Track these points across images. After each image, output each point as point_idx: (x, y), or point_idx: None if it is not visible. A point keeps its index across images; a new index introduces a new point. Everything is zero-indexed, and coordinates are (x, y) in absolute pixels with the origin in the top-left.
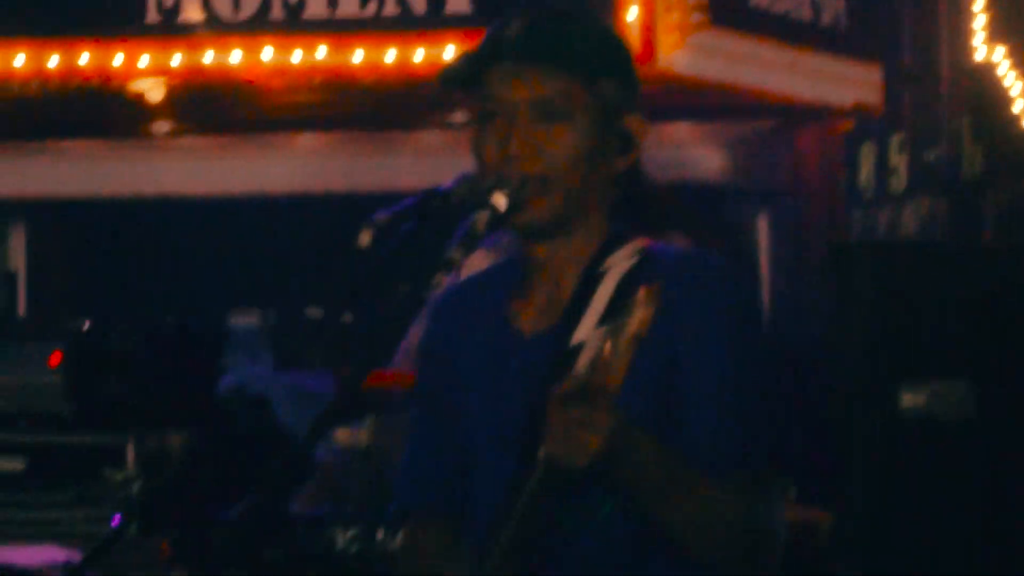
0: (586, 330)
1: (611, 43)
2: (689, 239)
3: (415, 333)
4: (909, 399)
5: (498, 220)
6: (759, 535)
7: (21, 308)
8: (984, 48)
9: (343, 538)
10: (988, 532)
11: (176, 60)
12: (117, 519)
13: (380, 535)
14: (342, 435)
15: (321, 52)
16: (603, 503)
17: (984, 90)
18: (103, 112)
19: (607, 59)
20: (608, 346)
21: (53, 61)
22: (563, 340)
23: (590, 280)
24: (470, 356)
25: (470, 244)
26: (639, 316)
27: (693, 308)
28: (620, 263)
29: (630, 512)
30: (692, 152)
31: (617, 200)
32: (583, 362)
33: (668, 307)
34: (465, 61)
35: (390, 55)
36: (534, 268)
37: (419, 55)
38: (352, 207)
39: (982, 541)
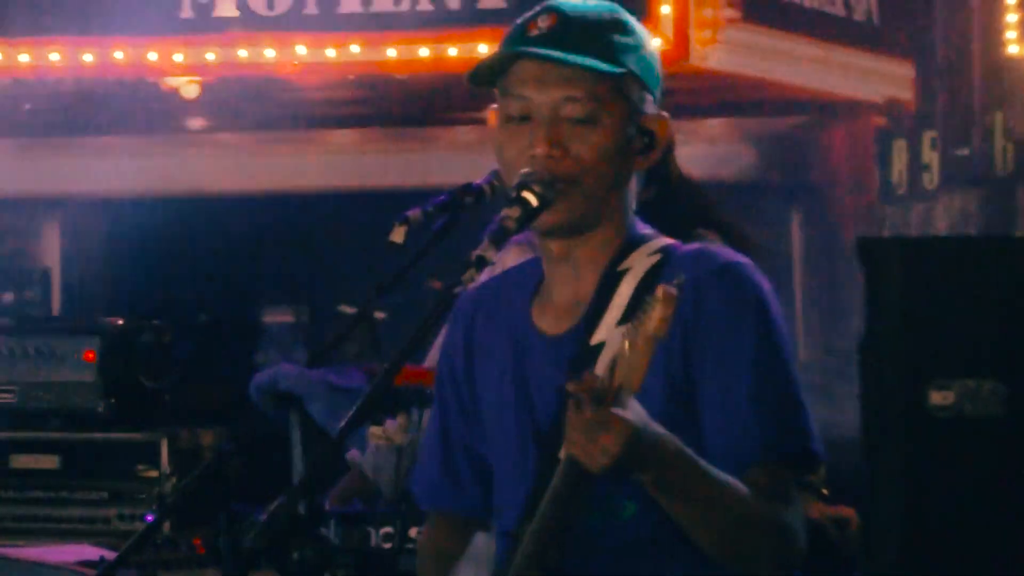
0: (606, 330)
1: (638, 41)
2: (718, 236)
3: (447, 329)
4: (938, 397)
5: (529, 217)
6: (783, 535)
7: (55, 305)
8: (1016, 45)
9: (376, 536)
10: (1019, 531)
11: (210, 56)
12: (150, 517)
13: (414, 533)
14: (375, 432)
15: (355, 48)
16: (627, 504)
17: (1016, 85)
18: (137, 109)
19: (634, 58)
20: (626, 346)
21: (88, 57)
22: (583, 340)
23: (610, 280)
24: (492, 354)
25: (500, 240)
26: (657, 315)
27: (711, 305)
28: (640, 262)
29: (654, 513)
30: (724, 148)
31: (647, 198)
32: (603, 363)
33: (686, 304)
34: (492, 60)
35: (424, 51)
36: (556, 267)
37: (453, 51)
38: (385, 203)
39: (1013, 539)
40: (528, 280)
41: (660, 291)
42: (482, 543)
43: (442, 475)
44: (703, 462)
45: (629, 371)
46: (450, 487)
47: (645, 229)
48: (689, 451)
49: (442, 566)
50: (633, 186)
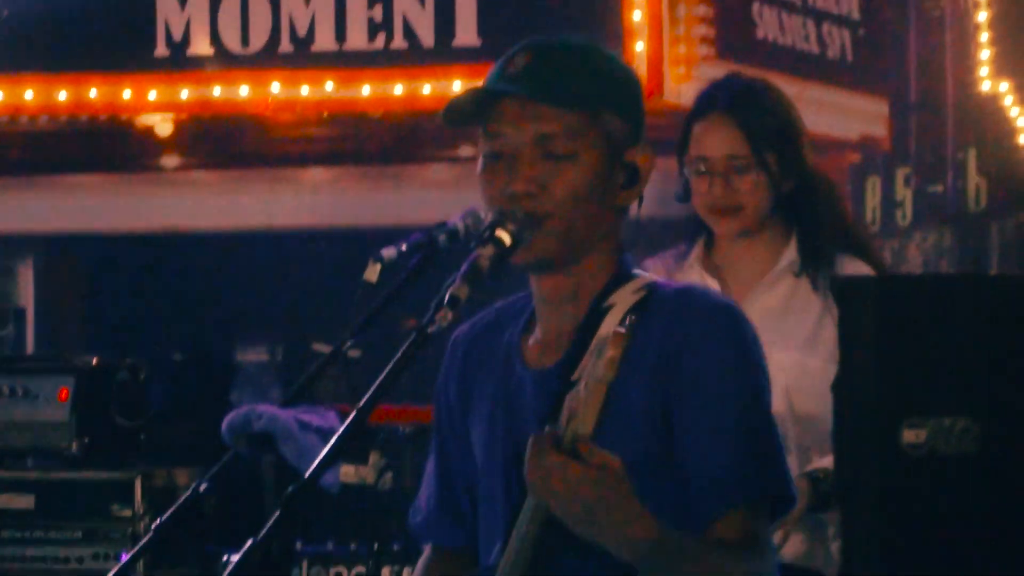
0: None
1: (617, 77)
2: (859, 257)
3: (443, 366)
4: (910, 435)
5: (503, 256)
6: None
7: (30, 344)
8: (989, 81)
9: (349, 574)
10: (991, 568)
11: (185, 94)
12: (124, 556)
13: (386, 573)
14: (348, 470)
15: (329, 86)
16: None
17: (989, 122)
18: (112, 146)
19: (613, 93)
20: (582, 389)
21: (62, 95)
22: (566, 376)
23: (594, 316)
24: (484, 388)
25: (474, 280)
26: (605, 359)
27: (695, 346)
28: (624, 299)
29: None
30: None
31: (786, 190)
32: (566, 409)
33: (667, 343)
34: (470, 97)
35: (398, 88)
36: (542, 301)
37: (427, 88)
38: (359, 241)
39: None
40: (520, 313)
41: (608, 334)
42: None
43: (440, 510)
44: (669, 527)
45: (583, 416)
46: (448, 522)
47: (634, 267)
48: (653, 516)
49: None
50: (620, 221)
